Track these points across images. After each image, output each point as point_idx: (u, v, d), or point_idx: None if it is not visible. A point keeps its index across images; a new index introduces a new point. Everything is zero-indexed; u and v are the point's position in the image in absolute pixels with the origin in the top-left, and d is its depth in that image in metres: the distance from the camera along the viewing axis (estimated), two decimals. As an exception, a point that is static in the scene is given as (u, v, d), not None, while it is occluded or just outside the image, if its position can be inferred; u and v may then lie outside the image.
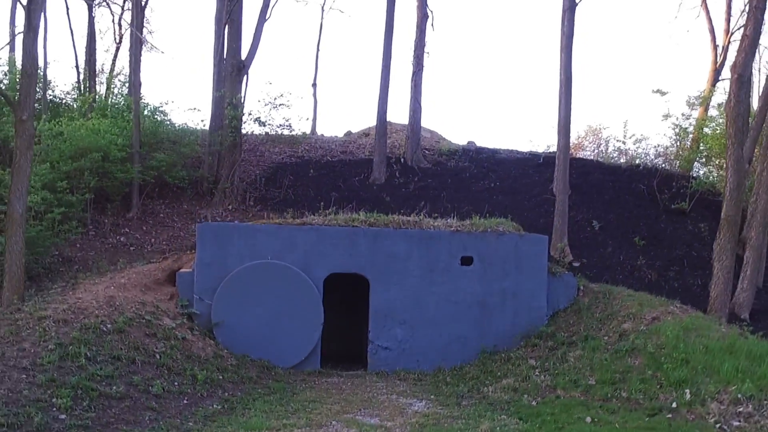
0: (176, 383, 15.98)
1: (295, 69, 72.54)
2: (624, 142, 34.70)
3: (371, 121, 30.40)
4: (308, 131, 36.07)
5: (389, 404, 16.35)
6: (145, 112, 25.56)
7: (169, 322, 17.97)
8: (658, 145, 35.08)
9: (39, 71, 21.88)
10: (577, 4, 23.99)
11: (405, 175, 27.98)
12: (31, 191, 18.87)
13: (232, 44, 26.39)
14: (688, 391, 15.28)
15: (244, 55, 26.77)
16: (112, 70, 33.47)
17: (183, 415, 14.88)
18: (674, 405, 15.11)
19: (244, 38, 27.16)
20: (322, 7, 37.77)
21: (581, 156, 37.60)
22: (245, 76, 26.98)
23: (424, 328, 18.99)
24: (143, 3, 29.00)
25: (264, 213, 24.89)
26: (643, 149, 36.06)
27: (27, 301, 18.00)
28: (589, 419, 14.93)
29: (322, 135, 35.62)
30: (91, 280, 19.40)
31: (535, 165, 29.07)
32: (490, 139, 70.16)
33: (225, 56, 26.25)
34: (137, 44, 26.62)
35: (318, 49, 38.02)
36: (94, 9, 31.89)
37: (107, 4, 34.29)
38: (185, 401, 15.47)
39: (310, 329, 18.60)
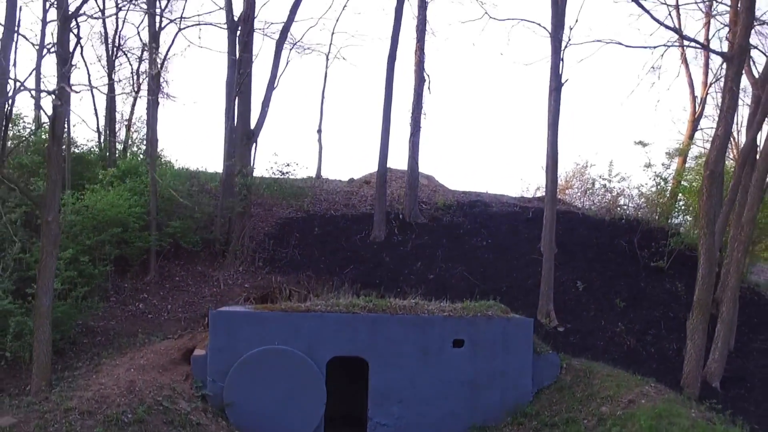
0: (194, 475, 16.59)
1: (300, 115, 73.24)
2: (609, 180, 35.28)
3: (373, 164, 30.87)
4: (313, 174, 36.63)
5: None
6: (162, 179, 26.01)
7: (185, 406, 18.55)
8: (641, 185, 35.58)
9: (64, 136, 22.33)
10: (563, 84, 24.41)
11: (403, 232, 28.50)
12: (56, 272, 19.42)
13: (242, 112, 26.85)
14: (659, 486, 15.81)
15: (253, 123, 27.24)
16: (129, 124, 33.95)
17: None
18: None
19: (254, 104, 27.58)
20: (327, 56, 38.10)
21: (569, 193, 38.24)
22: (254, 144, 27.51)
23: (419, 406, 19.59)
24: (159, 66, 29.43)
25: (272, 276, 25.46)
26: (627, 190, 36.69)
27: (54, 385, 18.56)
28: None
29: (327, 178, 36.14)
30: (113, 359, 19.97)
31: (525, 220, 29.54)
32: (484, 180, 71.09)
33: (235, 124, 26.71)
34: (154, 113, 27.10)
35: (323, 97, 38.41)
36: (114, 64, 32.25)
37: (125, 53, 34.58)
38: (203, 495, 16.08)
39: (314, 408, 19.23)
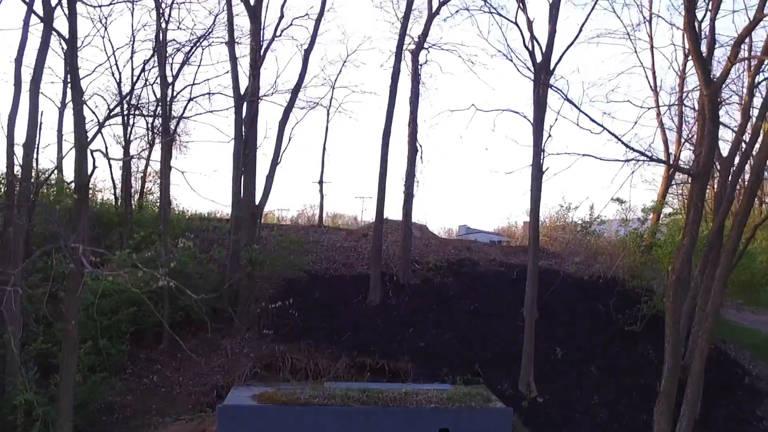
0: None
1: (302, 163, 73.93)
2: (590, 224, 35.94)
3: (371, 209, 31.48)
4: (315, 222, 37.24)
5: None
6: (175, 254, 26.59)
7: (196, 497, 19.34)
8: (617, 234, 36.16)
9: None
10: (543, 173, 24.97)
11: (397, 295, 29.19)
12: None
13: (248, 186, 27.44)
14: None
15: (258, 197, 27.85)
16: (143, 188, 34.54)
17: None
18: None
19: (259, 178, 28.19)
20: (328, 110, 38.48)
21: (553, 236, 38.86)
22: (260, 219, 28.14)
23: (409, 491, 20.38)
24: (172, 132, 30.00)
25: (275, 345, 26.12)
26: (606, 235, 37.32)
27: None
28: None
29: (327, 227, 36.75)
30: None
31: (509, 281, 30.16)
32: (474, 220, 72.29)
33: (241, 198, 27.33)
34: (166, 185, 27.70)
35: (324, 149, 38.83)
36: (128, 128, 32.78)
37: (140, 110, 34.96)
38: None
39: (313, 494, 20.01)
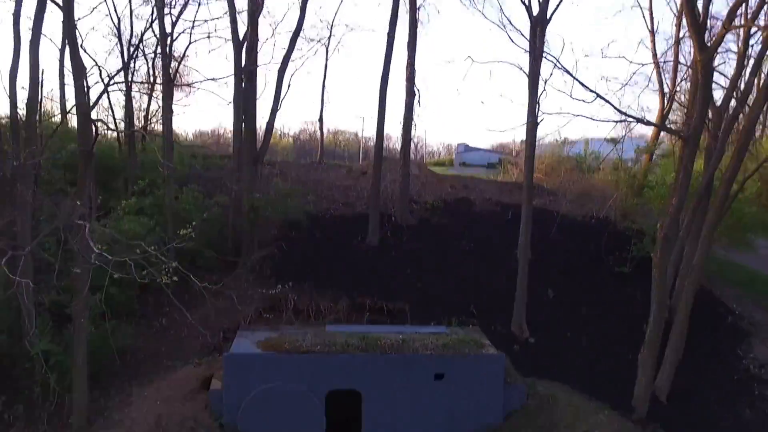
0: None
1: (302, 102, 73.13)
2: (585, 159, 36.22)
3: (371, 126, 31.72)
4: (316, 160, 37.41)
5: None
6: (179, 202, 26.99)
7: (205, 437, 20.24)
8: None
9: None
10: (538, 124, 24.95)
11: (395, 235, 29.66)
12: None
13: (249, 135, 27.55)
14: None
15: (258, 144, 27.99)
16: (146, 125, 34.50)
17: None
18: None
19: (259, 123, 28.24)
20: (327, 48, 38.08)
21: (547, 175, 39.04)
22: (260, 165, 28.33)
23: (406, 429, 21.29)
24: (173, 73, 29.86)
25: (278, 287, 26.62)
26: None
27: (92, 421, 20.14)
28: None
29: (327, 163, 36.96)
30: (141, 389, 21.48)
31: (505, 222, 30.55)
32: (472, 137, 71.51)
33: (242, 145, 27.49)
34: (169, 128, 27.75)
35: (324, 87, 38.61)
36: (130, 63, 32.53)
37: (142, 51, 34.53)
38: None
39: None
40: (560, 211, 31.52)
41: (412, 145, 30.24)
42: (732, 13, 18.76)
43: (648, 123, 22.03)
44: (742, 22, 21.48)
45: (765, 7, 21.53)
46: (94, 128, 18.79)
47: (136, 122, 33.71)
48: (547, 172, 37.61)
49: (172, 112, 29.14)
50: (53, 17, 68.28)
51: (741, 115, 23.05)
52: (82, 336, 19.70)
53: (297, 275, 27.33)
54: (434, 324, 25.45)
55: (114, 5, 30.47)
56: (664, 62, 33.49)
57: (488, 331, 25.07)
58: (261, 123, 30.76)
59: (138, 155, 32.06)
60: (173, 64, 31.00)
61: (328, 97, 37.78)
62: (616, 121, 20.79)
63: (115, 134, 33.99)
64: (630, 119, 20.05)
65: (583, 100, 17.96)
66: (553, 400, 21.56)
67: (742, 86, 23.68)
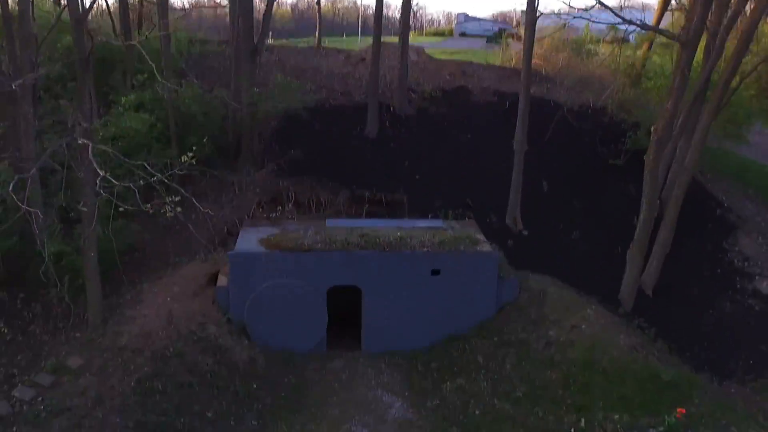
0: (224, 403, 19.48)
1: None
2: (584, 43, 35.71)
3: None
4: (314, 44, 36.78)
5: (374, 407, 19.98)
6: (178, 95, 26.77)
7: (213, 331, 21.20)
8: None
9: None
10: (538, 17, 24.46)
11: (394, 126, 29.64)
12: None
13: (246, 29, 26.98)
14: (583, 419, 18.77)
15: (256, 37, 27.45)
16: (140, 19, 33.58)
17: (232, 439, 18.60)
18: (572, 430, 18.67)
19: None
20: None
21: (546, 61, 38.36)
22: (259, 58, 27.87)
23: (404, 321, 22.24)
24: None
25: (280, 180, 27.02)
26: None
27: (107, 319, 20.98)
28: (512, 440, 18.54)
29: (326, 49, 36.37)
30: (152, 286, 22.23)
31: (502, 112, 30.39)
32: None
33: (238, 45, 27.02)
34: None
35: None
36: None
37: None
38: (232, 422, 19.08)
39: (318, 326, 21.98)
40: (558, 100, 31.24)
41: (412, 14, 29.57)
42: None
43: (647, 27, 21.57)
44: None
45: None
46: (90, 38, 18.45)
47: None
48: (546, 57, 36.96)
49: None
50: None
51: (740, 16, 22.54)
52: (93, 237, 20.14)
53: (297, 168, 27.57)
54: (431, 217, 25.96)
55: None
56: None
57: (483, 224, 25.64)
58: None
59: (136, 46, 31.40)
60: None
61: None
62: (615, 24, 20.31)
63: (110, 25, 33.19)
64: (628, 23, 19.63)
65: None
66: (544, 295, 22.35)
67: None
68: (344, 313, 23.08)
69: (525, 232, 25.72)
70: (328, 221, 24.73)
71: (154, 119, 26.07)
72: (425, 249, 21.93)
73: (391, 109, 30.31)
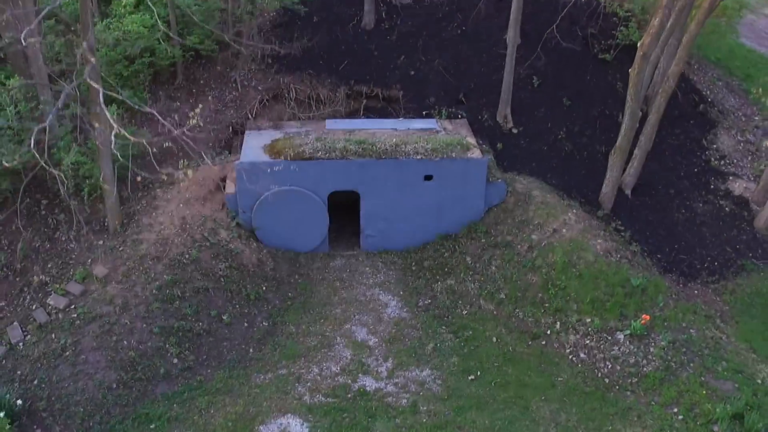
0: (237, 305, 21.18)
1: None
2: None
3: None
4: None
5: (373, 306, 21.68)
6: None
7: (224, 235, 22.55)
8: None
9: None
10: None
11: (390, 17, 29.31)
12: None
13: None
14: (558, 322, 20.52)
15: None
16: None
17: (245, 340, 20.40)
18: (549, 332, 20.49)
19: None
20: None
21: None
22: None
23: (398, 222, 23.49)
24: None
25: (280, 77, 27.23)
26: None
27: (125, 225, 22.14)
28: (494, 339, 20.41)
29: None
30: (165, 193, 23.16)
31: (495, 1, 29.80)
32: None
33: None
34: None
35: None
36: None
37: None
38: (245, 324, 20.84)
39: (320, 228, 23.31)
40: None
41: None
42: None
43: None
44: None
45: None
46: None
47: None
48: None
49: None
50: None
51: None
52: (107, 150, 20.71)
53: (297, 64, 27.68)
54: (425, 114, 26.52)
55: None
56: None
57: (475, 121, 26.25)
58: None
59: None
60: None
61: None
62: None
63: None
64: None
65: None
66: (529, 198, 23.41)
67: None
68: (344, 216, 24.25)
69: (515, 130, 26.31)
70: (328, 122, 25.32)
71: (154, 19, 25.87)
72: (419, 156, 22.74)
73: (388, -1, 29.86)
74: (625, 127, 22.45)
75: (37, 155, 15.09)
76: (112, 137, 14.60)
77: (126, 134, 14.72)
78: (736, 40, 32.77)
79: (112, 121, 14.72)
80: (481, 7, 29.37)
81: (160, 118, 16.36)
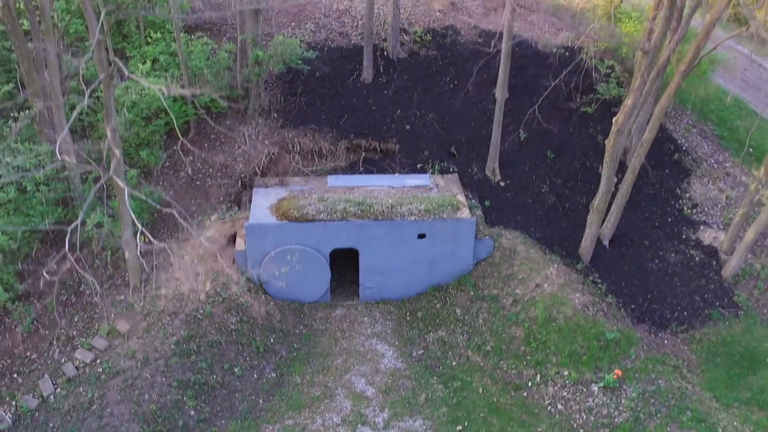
0: (248, 358, 22.66)
1: None
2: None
3: None
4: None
5: (371, 356, 23.14)
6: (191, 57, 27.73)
7: (235, 290, 23.99)
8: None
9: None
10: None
11: (387, 71, 30.64)
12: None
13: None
14: (539, 374, 21.97)
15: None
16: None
17: (255, 391, 21.89)
18: (530, 384, 21.94)
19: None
20: None
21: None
22: (261, 16, 28.36)
23: (394, 275, 24.95)
24: None
25: (285, 131, 28.61)
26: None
27: (144, 282, 23.58)
28: (480, 389, 21.88)
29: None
30: (180, 248, 24.55)
31: (486, 55, 31.03)
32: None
33: (242, 1, 27.57)
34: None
35: None
36: None
37: None
38: (255, 376, 22.32)
39: (322, 282, 24.77)
40: (536, 40, 31.72)
41: None
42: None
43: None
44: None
45: None
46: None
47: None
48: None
49: None
50: None
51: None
52: (126, 207, 21.91)
53: (301, 118, 29.07)
54: (420, 167, 27.94)
55: None
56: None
57: (465, 174, 27.68)
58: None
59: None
60: None
61: None
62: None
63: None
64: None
65: None
66: (514, 254, 24.84)
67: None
68: (344, 271, 25.73)
69: (502, 183, 27.69)
70: (329, 178, 26.74)
71: (169, 78, 27.25)
72: (413, 217, 24.17)
73: (385, 53, 31.19)
74: (601, 191, 23.85)
75: (68, 252, 16.24)
76: (128, 201, 15.82)
77: (147, 236, 15.97)
78: (711, 81, 33.89)
79: (135, 219, 16.07)
80: (472, 64, 30.64)
81: (181, 219, 17.38)
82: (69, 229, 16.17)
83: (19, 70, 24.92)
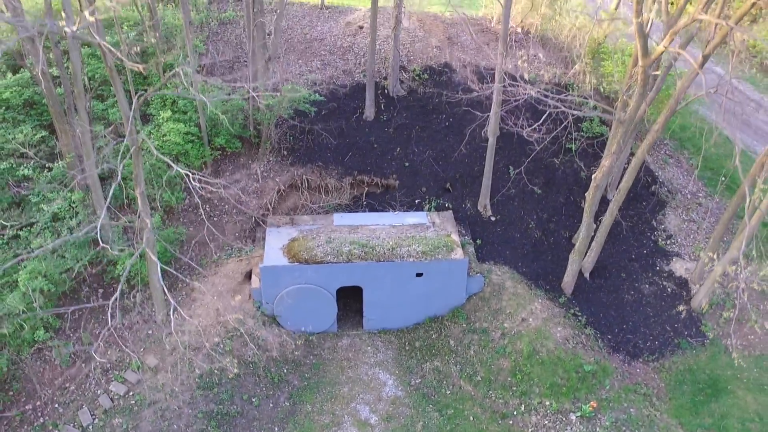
0: (264, 388, 24.56)
1: None
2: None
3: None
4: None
5: (373, 385, 25.03)
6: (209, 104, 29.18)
7: (251, 324, 25.82)
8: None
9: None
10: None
11: (388, 109, 32.18)
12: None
13: (260, 41, 28.86)
14: (523, 404, 23.85)
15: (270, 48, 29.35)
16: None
17: (271, 419, 23.83)
18: (515, 413, 23.82)
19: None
20: None
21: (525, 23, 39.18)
22: (273, 63, 29.82)
23: (394, 309, 26.78)
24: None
25: (295, 169, 30.22)
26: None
27: (169, 318, 25.33)
28: (471, 417, 23.78)
29: (328, 8, 37.57)
30: (201, 283, 26.35)
31: (478, 99, 32.36)
32: None
33: (254, 51, 29.00)
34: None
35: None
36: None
37: None
38: (271, 405, 24.24)
39: (329, 314, 26.59)
40: (526, 79, 33.04)
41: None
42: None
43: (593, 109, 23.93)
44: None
45: None
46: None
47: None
48: (525, 21, 37.78)
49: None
50: None
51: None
52: (158, 277, 23.79)
53: (308, 156, 30.64)
54: (418, 203, 29.59)
55: None
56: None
57: (459, 209, 29.34)
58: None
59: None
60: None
61: None
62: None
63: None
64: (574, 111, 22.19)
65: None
66: (503, 289, 26.59)
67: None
68: (349, 306, 27.57)
69: (493, 218, 29.36)
70: (335, 217, 28.42)
71: (188, 124, 28.75)
72: (411, 258, 25.90)
73: (386, 91, 32.64)
74: (582, 237, 25.55)
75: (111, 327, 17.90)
76: (159, 277, 17.54)
77: (180, 312, 17.66)
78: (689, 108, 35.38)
79: (165, 290, 17.77)
80: (468, 99, 32.08)
81: (202, 287, 18.90)
82: (110, 303, 17.82)
83: (52, 120, 26.43)
